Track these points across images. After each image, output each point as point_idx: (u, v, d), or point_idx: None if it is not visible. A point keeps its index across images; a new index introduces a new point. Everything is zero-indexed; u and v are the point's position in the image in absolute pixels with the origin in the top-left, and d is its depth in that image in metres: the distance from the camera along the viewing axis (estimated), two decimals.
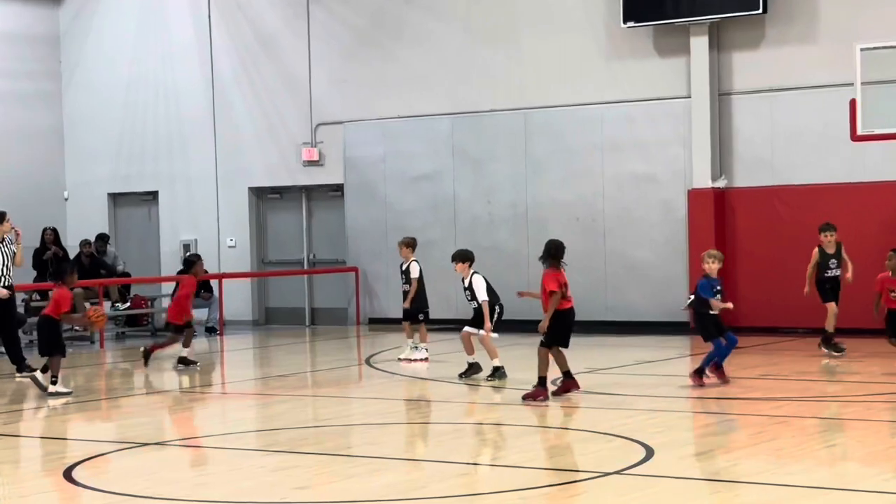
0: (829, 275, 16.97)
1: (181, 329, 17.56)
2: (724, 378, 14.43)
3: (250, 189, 25.44)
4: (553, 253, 13.55)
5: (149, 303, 24.04)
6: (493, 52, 22.83)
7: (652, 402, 13.69)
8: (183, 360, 17.33)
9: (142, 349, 17.77)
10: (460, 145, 23.26)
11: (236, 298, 24.57)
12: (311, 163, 24.68)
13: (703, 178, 21.05)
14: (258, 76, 25.13)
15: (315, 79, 24.46)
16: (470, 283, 15.47)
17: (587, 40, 22.02)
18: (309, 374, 17.92)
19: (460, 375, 15.57)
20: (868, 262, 17.95)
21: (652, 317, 21.02)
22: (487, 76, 22.92)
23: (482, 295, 15.35)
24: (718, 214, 20.91)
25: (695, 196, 21.10)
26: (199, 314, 23.19)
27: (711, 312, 14.35)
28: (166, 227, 26.18)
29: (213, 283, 23.64)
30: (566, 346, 13.66)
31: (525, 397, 13.39)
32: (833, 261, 16.98)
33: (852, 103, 17.78)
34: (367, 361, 18.12)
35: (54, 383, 14.64)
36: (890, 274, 15.75)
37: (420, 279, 17.34)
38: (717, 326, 14.47)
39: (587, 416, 12.77)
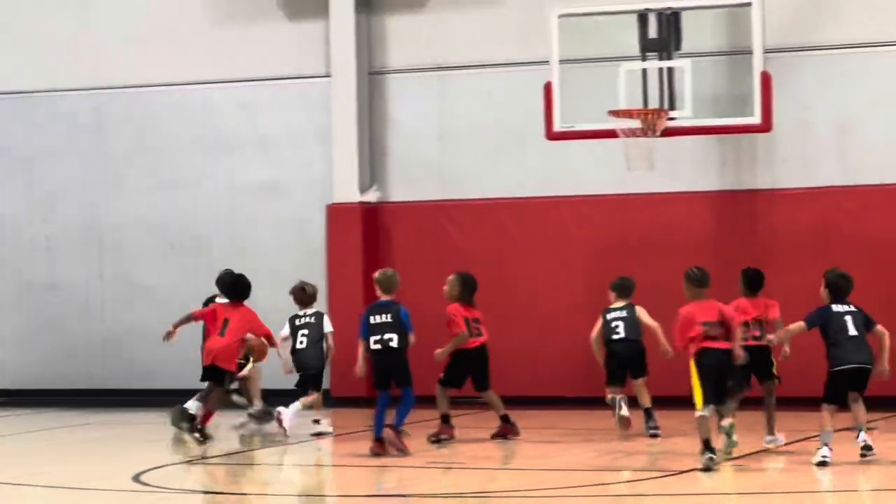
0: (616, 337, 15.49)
1: None
2: (387, 449, 13.99)
3: None
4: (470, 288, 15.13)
5: None
6: (51, 12, 20.44)
7: None
8: None
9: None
10: (1, 140, 21.01)
11: None
12: None
13: (349, 190, 19.27)
14: None
15: None
16: None
17: None
18: None
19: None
20: (573, 292, 17.61)
21: None
22: (43, 44, 20.51)
23: None
24: (368, 237, 19.20)
25: (336, 213, 19.34)
26: None
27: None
28: None
29: None
30: (458, 386, 15.04)
31: (430, 437, 14.60)
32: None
33: (548, 88, 16.72)
34: None
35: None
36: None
37: None
38: (381, 373, 14.40)
39: None
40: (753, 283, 14.12)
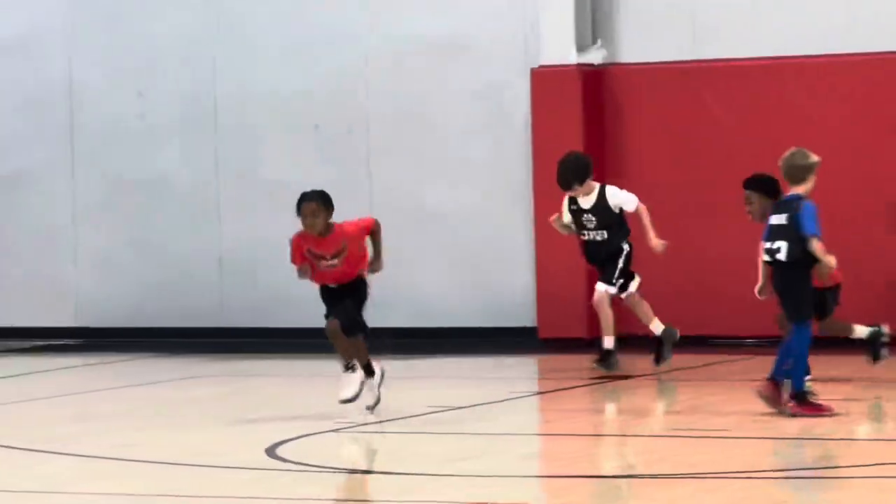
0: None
1: None
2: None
3: None
4: None
5: None
6: None
7: None
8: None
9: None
10: None
11: None
12: None
13: (562, 48, 16.89)
14: None
15: None
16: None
17: None
18: None
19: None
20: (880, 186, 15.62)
21: None
22: None
23: None
24: (590, 110, 16.83)
25: (544, 78, 16.84)
26: None
27: None
28: None
29: None
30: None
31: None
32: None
33: None
34: None
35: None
36: None
37: None
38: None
39: None
40: None
